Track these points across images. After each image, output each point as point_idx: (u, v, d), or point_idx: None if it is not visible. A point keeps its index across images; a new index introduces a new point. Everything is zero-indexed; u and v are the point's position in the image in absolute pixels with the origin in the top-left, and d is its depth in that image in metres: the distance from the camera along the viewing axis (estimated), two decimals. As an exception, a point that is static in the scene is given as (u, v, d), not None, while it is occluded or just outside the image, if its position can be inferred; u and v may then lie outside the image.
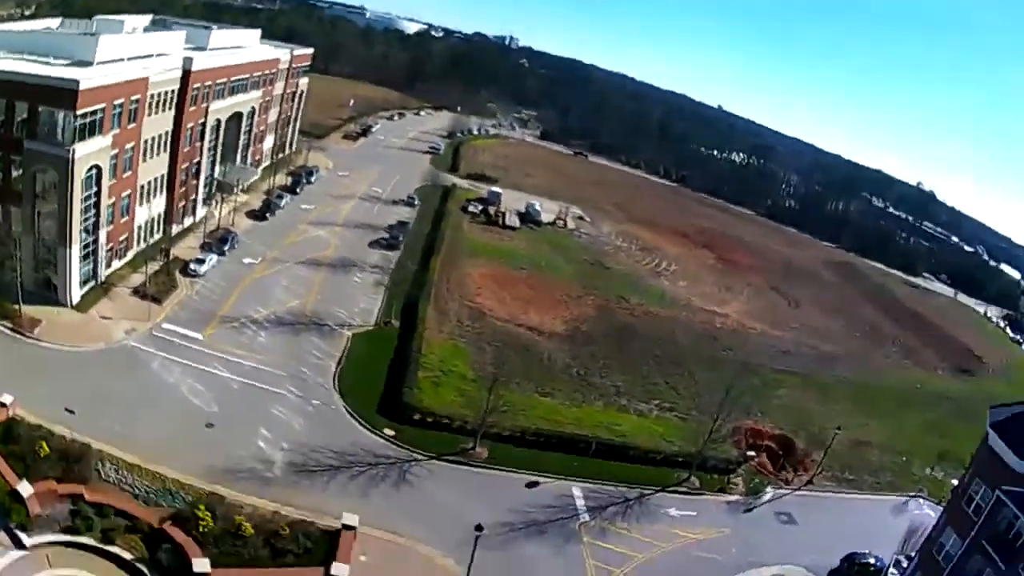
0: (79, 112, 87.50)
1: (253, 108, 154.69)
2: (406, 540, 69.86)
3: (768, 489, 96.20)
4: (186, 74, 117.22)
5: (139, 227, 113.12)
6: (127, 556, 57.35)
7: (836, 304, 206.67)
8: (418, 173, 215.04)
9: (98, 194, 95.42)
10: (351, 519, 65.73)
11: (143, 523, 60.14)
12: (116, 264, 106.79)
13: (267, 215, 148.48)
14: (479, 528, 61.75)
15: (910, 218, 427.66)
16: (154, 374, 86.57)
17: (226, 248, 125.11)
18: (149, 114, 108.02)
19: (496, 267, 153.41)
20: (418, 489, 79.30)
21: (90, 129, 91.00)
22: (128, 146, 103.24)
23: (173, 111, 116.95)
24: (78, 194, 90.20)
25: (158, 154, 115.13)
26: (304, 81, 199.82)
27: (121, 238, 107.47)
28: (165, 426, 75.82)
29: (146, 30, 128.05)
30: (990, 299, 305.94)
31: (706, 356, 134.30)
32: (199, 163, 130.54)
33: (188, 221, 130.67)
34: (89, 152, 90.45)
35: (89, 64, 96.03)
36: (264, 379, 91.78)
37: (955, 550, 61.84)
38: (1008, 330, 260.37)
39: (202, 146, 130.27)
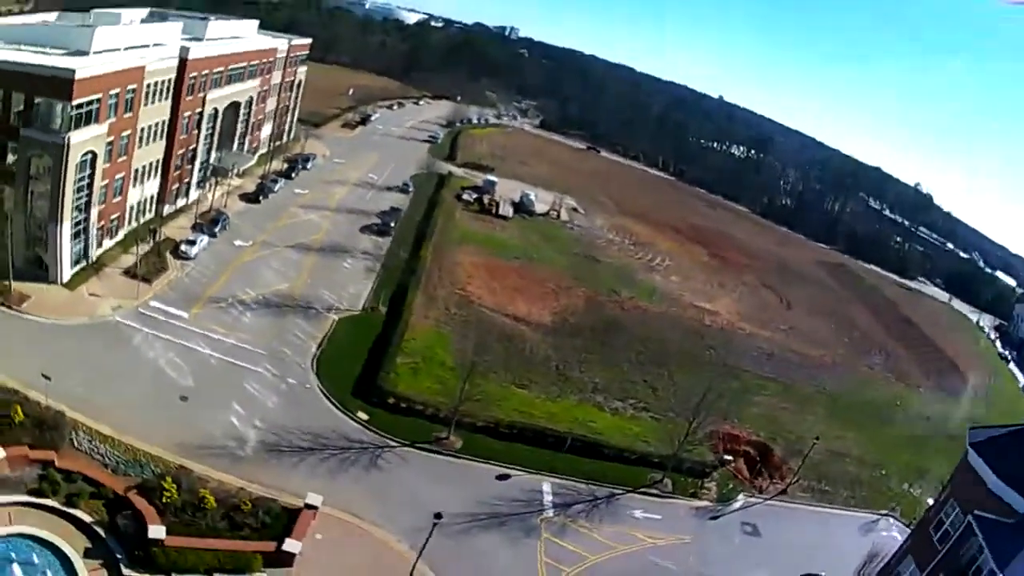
0: (75, 102, 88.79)
1: (251, 97, 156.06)
2: (366, 523, 70.95)
3: (740, 497, 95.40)
4: (183, 63, 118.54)
5: (131, 207, 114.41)
6: (87, 519, 58.80)
7: (828, 306, 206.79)
8: (415, 161, 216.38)
9: (91, 176, 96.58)
10: (314, 499, 67.14)
11: (108, 490, 61.61)
12: (107, 243, 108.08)
13: (260, 198, 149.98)
14: (438, 516, 62.69)
15: (906, 222, 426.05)
16: (135, 348, 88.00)
17: (217, 229, 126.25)
18: (146, 103, 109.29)
19: (488, 256, 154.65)
20: (387, 475, 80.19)
21: (86, 118, 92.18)
22: (124, 133, 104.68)
23: (170, 100, 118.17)
24: (71, 177, 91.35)
25: (154, 141, 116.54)
26: (302, 70, 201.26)
27: (113, 217, 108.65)
28: (140, 398, 77.39)
29: (143, 22, 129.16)
30: (984, 306, 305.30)
31: (690, 355, 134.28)
32: (195, 149, 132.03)
33: (181, 202, 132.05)
34: (84, 139, 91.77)
35: (85, 54, 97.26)
36: (243, 356, 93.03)
37: (911, 581, 60.55)
38: (998, 344, 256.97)
39: (199, 133, 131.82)
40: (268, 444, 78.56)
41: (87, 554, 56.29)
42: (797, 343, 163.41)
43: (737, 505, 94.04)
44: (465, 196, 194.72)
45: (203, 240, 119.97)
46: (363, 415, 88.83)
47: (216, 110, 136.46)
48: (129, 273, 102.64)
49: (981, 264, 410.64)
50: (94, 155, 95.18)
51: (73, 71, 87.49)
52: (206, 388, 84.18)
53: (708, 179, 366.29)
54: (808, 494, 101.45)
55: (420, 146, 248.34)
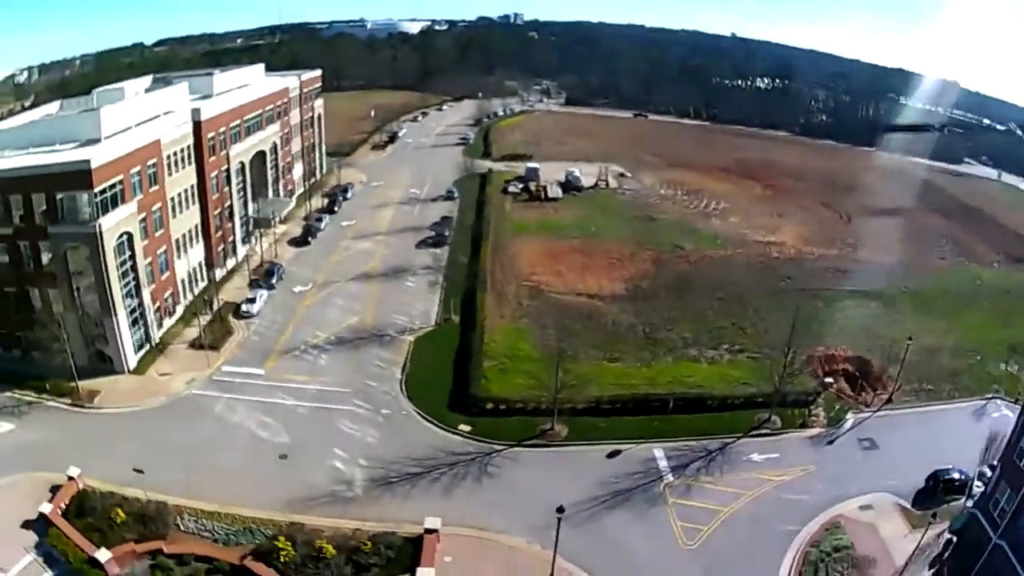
0: (97, 190, 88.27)
1: (274, 143, 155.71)
2: (490, 533, 69.37)
3: (849, 416, 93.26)
4: (197, 126, 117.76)
5: (182, 280, 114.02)
6: (211, 597, 57.61)
7: (886, 209, 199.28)
8: (452, 166, 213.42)
9: (133, 257, 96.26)
10: (432, 522, 65.46)
11: (223, 564, 60.82)
12: (168, 322, 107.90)
13: (309, 239, 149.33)
14: (560, 510, 60.48)
15: (939, 109, 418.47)
16: (218, 417, 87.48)
17: (274, 281, 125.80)
18: (170, 173, 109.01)
19: (546, 241, 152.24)
20: (499, 480, 78.70)
21: (112, 201, 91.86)
22: (155, 207, 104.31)
23: (194, 164, 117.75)
24: (112, 262, 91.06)
25: (188, 207, 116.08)
26: (319, 103, 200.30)
27: (166, 295, 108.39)
28: (237, 466, 76.60)
29: (147, 91, 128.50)
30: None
31: (767, 290, 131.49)
32: (231, 206, 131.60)
33: (231, 263, 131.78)
34: (116, 222, 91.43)
35: (97, 141, 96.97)
36: (330, 399, 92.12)
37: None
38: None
39: (231, 190, 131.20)
40: (376, 480, 77.21)
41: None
42: (866, 253, 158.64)
43: (848, 425, 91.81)
44: (511, 188, 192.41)
45: (263, 295, 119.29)
46: (465, 427, 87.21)
47: (242, 163, 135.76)
48: (195, 345, 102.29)
49: (1019, 133, 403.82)
50: (130, 235, 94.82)
51: (88, 161, 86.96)
52: (301, 439, 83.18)
53: (741, 115, 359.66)
54: (913, 397, 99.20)
55: (454, 150, 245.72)
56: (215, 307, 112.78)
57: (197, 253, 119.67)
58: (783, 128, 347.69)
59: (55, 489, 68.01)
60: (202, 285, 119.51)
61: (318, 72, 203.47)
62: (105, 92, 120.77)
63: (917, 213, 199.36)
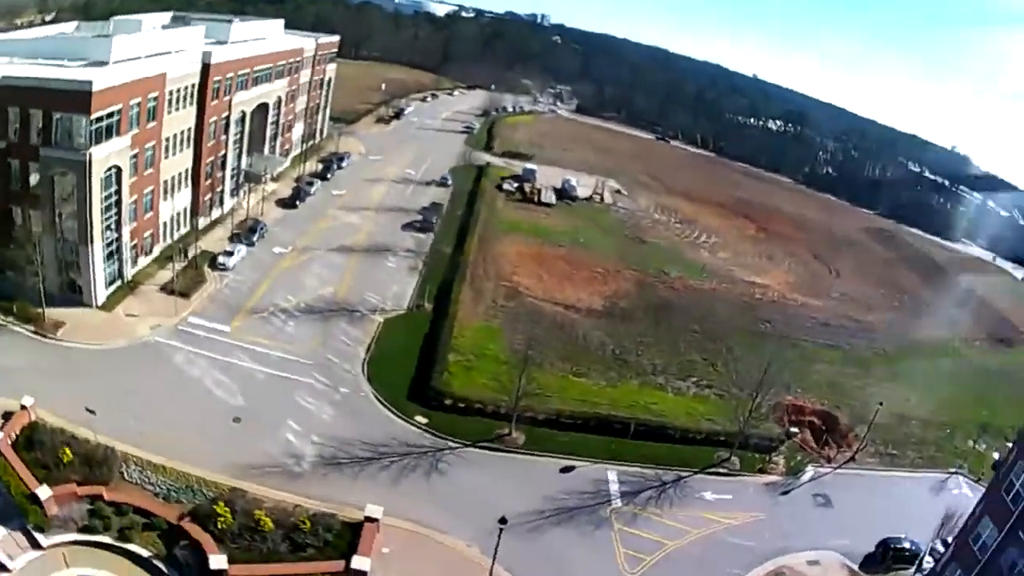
0: (94, 115, 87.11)
1: (279, 98, 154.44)
2: (432, 531, 69.15)
3: (808, 468, 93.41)
4: (206, 68, 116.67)
5: (164, 223, 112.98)
6: (144, 553, 57.57)
7: (876, 272, 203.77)
8: (452, 154, 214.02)
9: (119, 192, 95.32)
10: (374, 511, 64.92)
11: (161, 520, 60.28)
12: (143, 261, 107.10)
13: (297, 203, 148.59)
14: (503, 521, 60.71)
15: (946, 182, 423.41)
16: (178, 369, 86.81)
17: (255, 238, 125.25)
18: (169, 111, 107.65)
19: (533, 245, 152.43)
20: (449, 478, 78.46)
21: (107, 131, 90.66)
22: (149, 144, 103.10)
23: (195, 106, 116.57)
24: (97, 195, 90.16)
25: (181, 150, 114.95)
26: (332, 68, 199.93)
27: (146, 234, 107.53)
28: (190, 422, 75.90)
29: (165, 28, 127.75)
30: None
31: (746, 330, 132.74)
32: (225, 155, 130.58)
33: (216, 213, 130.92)
34: (107, 154, 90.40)
35: (105, 64, 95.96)
36: (291, 368, 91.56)
37: (991, 540, 60.63)
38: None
39: (227, 139, 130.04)
40: (326, 458, 76.97)
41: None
42: (850, 309, 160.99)
43: (807, 477, 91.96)
44: (506, 186, 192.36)
45: (241, 250, 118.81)
46: (421, 419, 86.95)
47: (244, 113, 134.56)
48: (166, 290, 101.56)
49: (1021, 221, 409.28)
50: (119, 170, 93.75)
51: (90, 83, 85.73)
52: (256, 405, 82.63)
53: (748, 153, 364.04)
54: (876, 459, 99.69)
55: (457, 138, 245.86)
56: (193, 254, 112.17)
57: (183, 198, 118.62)
58: (787, 174, 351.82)
59: (7, 416, 67.14)
60: (184, 231, 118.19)
61: (336, 38, 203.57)
62: (123, 21, 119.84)
63: (906, 280, 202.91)
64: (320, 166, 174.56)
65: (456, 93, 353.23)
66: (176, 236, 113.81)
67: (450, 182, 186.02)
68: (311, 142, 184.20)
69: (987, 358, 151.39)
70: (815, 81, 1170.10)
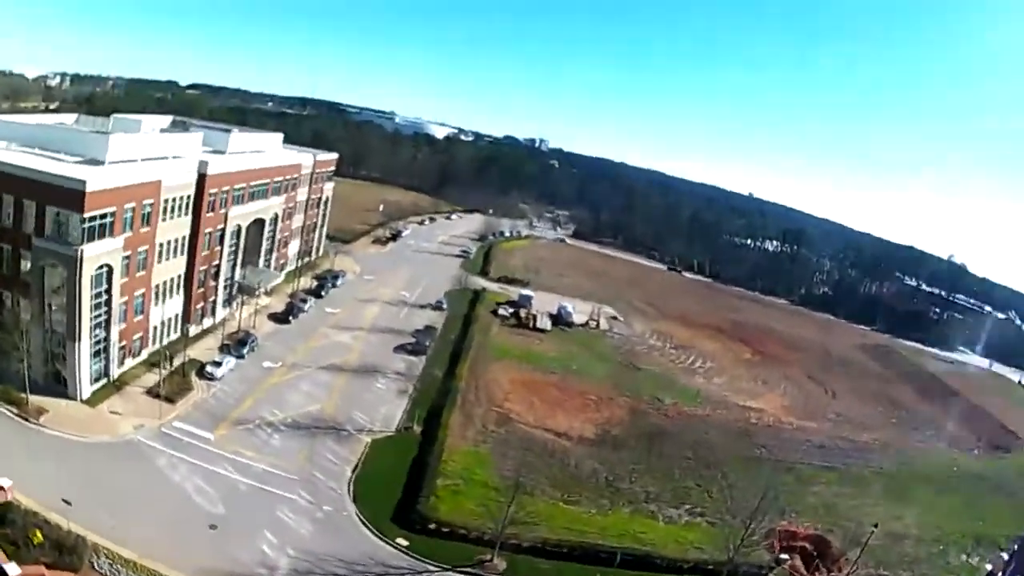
0: (87, 214, 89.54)
1: (276, 214, 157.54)
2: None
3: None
4: (202, 178, 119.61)
5: (154, 327, 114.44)
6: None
7: (872, 390, 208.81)
8: (448, 277, 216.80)
9: (109, 292, 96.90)
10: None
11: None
12: (130, 362, 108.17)
13: (290, 318, 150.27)
14: None
15: (942, 293, 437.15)
16: (159, 470, 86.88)
17: (245, 351, 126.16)
18: (164, 218, 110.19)
19: (526, 371, 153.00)
20: (426, 602, 77.53)
21: (100, 231, 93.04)
22: (142, 248, 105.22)
23: (190, 216, 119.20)
24: (87, 292, 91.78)
25: (175, 256, 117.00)
26: (329, 186, 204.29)
27: (135, 336, 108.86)
28: (166, 523, 75.85)
29: (164, 131, 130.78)
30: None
31: (741, 456, 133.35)
32: (219, 266, 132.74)
33: (207, 322, 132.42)
34: (99, 253, 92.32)
35: (100, 163, 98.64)
36: (274, 482, 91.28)
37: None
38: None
39: (222, 250, 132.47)
40: (299, 572, 76.31)
41: None
42: (846, 430, 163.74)
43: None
44: (501, 311, 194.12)
45: (230, 361, 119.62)
46: (402, 541, 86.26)
47: (239, 227, 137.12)
48: (152, 393, 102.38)
49: (1019, 323, 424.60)
50: (110, 269, 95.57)
51: (84, 183, 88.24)
52: (235, 515, 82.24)
53: (744, 277, 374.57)
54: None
55: (453, 261, 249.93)
56: (181, 361, 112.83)
57: (175, 304, 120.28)
58: (783, 295, 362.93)
59: (-17, 491, 67.57)
60: (174, 337, 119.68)
61: (335, 155, 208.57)
62: (122, 120, 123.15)
63: (902, 396, 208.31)
64: (315, 283, 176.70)
65: (454, 216, 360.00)
66: (166, 341, 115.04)
67: (445, 306, 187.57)
68: (307, 259, 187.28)
69: (984, 466, 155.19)
70: (810, 196, 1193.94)
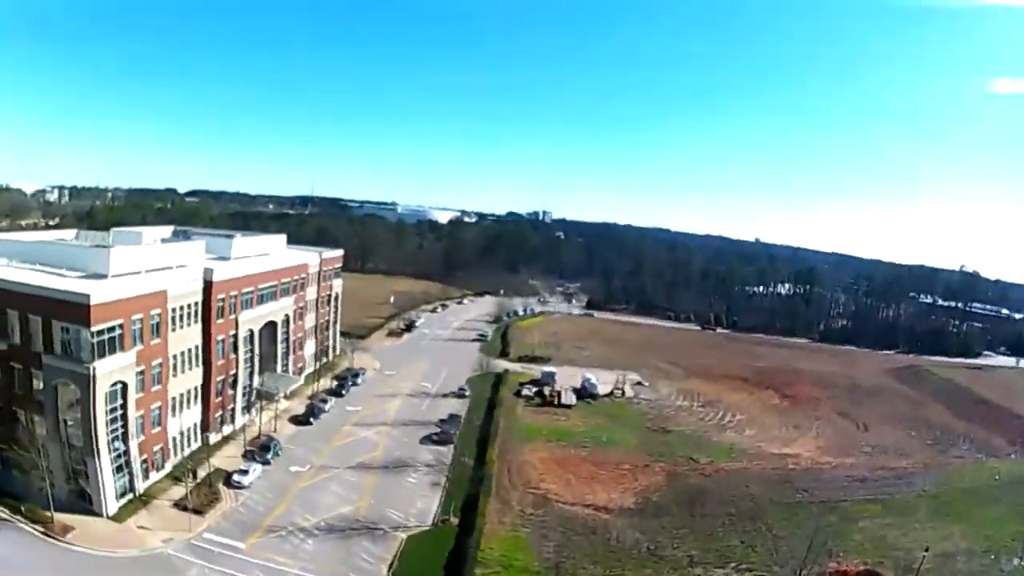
0: (95, 328, 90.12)
1: (287, 315, 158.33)
2: None
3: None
4: (208, 285, 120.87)
5: (173, 438, 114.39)
6: None
7: (904, 414, 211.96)
8: (467, 363, 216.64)
9: (124, 407, 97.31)
10: None
11: None
12: (155, 476, 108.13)
13: (311, 419, 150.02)
14: None
15: (959, 305, 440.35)
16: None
17: (269, 456, 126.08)
18: (173, 328, 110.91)
19: (556, 449, 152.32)
20: None
21: (110, 345, 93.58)
22: (155, 362, 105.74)
23: (200, 324, 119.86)
24: (102, 409, 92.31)
25: (190, 367, 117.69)
26: (338, 283, 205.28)
27: (155, 449, 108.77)
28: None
29: (165, 241, 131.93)
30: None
31: (782, 503, 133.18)
32: (235, 374, 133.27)
33: (227, 429, 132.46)
34: (111, 369, 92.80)
35: (103, 277, 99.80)
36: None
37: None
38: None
39: (237, 357, 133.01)
40: None
41: None
42: (884, 460, 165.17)
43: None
44: (525, 391, 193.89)
45: (256, 468, 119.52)
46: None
47: (251, 331, 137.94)
48: (180, 505, 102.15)
49: None
50: (125, 385, 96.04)
51: (88, 295, 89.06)
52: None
53: (761, 323, 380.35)
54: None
55: (471, 346, 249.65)
56: (206, 472, 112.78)
57: (193, 414, 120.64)
58: (802, 335, 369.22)
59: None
60: (194, 446, 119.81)
61: (340, 252, 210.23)
62: (123, 232, 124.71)
63: (934, 414, 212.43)
64: (335, 383, 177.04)
65: (465, 301, 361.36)
66: (187, 451, 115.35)
67: (468, 392, 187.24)
68: (324, 359, 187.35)
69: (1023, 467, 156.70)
70: (815, 232, 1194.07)
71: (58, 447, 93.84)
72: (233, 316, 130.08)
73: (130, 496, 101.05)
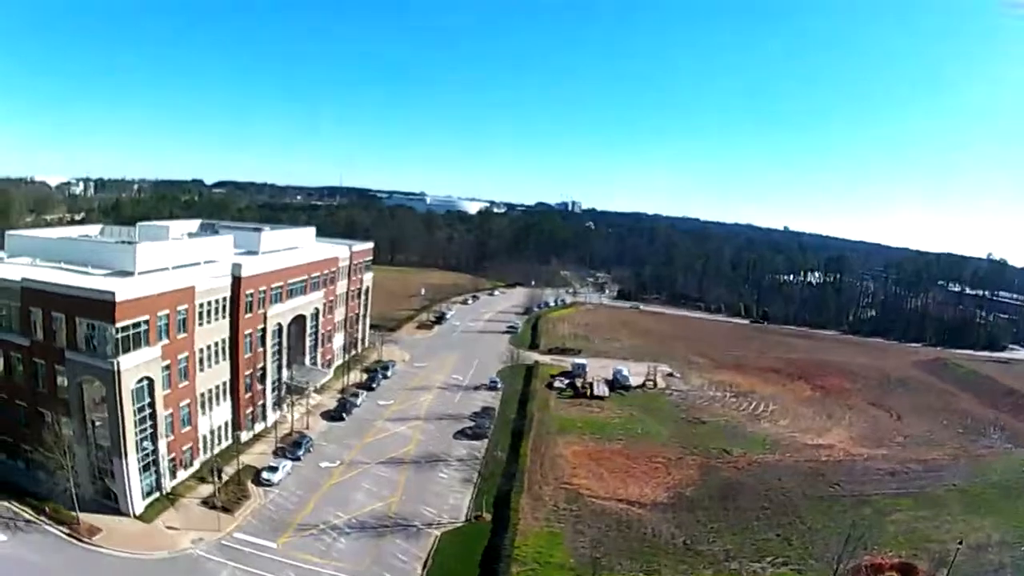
0: (119, 325, 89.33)
1: (316, 309, 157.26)
2: None
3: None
4: (236, 280, 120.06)
5: (204, 436, 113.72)
6: None
7: (934, 405, 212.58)
8: (498, 355, 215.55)
9: (152, 405, 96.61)
10: None
11: None
12: (182, 474, 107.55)
13: (343, 415, 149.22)
14: None
15: (986, 294, 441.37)
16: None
17: (300, 453, 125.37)
18: (201, 323, 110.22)
19: (589, 442, 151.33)
20: None
21: (135, 340, 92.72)
22: (182, 356, 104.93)
23: (228, 319, 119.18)
24: (129, 406, 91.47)
25: (217, 362, 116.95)
26: (369, 276, 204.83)
27: (184, 448, 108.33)
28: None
29: (192, 235, 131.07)
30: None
31: (816, 496, 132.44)
32: (264, 368, 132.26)
33: (259, 427, 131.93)
34: (136, 364, 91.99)
35: (130, 274, 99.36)
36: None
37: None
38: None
39: (265, 351, 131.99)
40: None
41: None
42: (916, 451, 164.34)
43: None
44: (556, 383, 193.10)
45: (286, 465, 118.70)
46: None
47: (280, 325, 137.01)
48: (208, 504, 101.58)
49: None
50: (151, 381, 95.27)
51: (113, 293, 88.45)
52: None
53: (792, 314, 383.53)
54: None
55: (501, 338, 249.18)
56: (235, 469, 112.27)
57: (224, 412, 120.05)
58: (832, 327, 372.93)
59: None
60: (225, 444, 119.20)
61: (370, 245, 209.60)
62: (149, 227, 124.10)
63: (963, 405, 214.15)
64: (365, 376, 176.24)
65: (496, 292, 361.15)
66: (217, 450, 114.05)
67: (500, 385, 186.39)
68: (353, 352, 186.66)
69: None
70: (844, 219, 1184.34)
71: (84, 446, 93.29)
72: (262, 311, 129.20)
73: (157, 495, 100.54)
